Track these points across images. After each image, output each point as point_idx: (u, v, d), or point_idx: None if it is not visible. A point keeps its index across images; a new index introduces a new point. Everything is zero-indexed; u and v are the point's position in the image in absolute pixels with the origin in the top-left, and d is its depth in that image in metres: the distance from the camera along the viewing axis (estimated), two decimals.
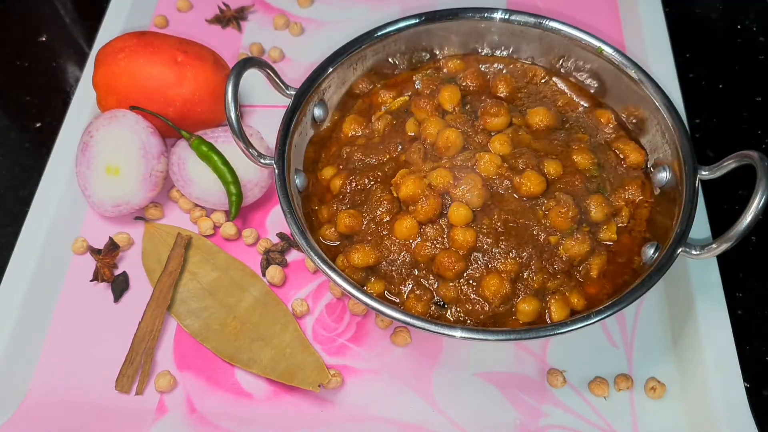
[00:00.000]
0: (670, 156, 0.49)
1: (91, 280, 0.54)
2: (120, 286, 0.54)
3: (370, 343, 0.51)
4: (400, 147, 0.51)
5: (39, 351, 0.52)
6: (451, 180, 0.46)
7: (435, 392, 0.49)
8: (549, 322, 0.45)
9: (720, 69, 0.67)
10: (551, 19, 0.53)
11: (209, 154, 0.54)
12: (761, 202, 0.40)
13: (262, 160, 0.47)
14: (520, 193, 0.46)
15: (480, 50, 0.56)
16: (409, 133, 0.51)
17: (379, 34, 0.53)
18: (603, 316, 0.42)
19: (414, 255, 0.46)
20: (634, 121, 0.52)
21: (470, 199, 0.45)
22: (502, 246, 0.45)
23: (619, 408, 0.49)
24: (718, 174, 0.46)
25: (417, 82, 0.55)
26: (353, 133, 0.54)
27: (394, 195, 0.47)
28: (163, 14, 0.70)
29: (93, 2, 0.73)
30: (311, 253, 0.44)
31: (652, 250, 0.46)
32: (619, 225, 0.48)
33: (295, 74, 0.65)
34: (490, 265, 0.45)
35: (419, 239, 0.46)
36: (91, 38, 0.66)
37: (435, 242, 0.45)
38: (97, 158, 0.54)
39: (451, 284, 0.45)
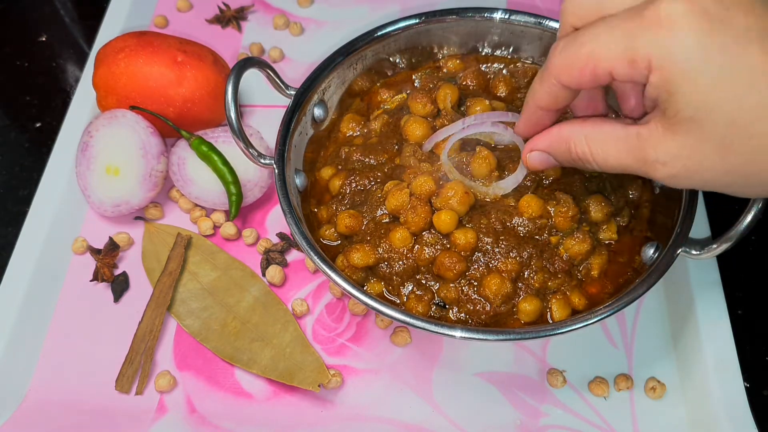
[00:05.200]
0: None
1: (91, 280, 0.54)
2: (120, 286, 0.54)
3: (370, 343, 0.51)
4: (397, 147, 0.51)
5: (39, 351, 0.52)
6: (433, 186, 0.45)
7: (435, 392, 0.49)
8: (550, 321, 0.45)
9: None
10: (551, 19, 0.53)
11: (209, 154, 0.54)
12: (761, 202, 0.40)
13: (262, 160, 0.47)
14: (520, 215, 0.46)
15: (480, 50, 0.56)
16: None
17: (379, 34, 0.53)
18: (603, 316, 0.42)
19: (414, 259, 0.45)
20: None
21: (454, 205, 0.45)
22: (503, 245, 0.45)
23: (619, 408, 0.49)
24: None
25: (417, 81, 0.55)
26: (351, 132, 0.54)
27: None
28: (163, 14, 0.70)
29: (93, 2, 0.73)
30: (311, 253, 0.44)
31: (651, 250, 0.46)
32: (621, 224, 0.48)
33: (295, 74, 0.65)
34: (490, 265, 0.45)
35: (417, 246, 0.45)
36: (91, 38, 0.66)
37: (434, 247, 0.45)
38: (97, 158, 0.54)
39: (451, 285, 0.45)
